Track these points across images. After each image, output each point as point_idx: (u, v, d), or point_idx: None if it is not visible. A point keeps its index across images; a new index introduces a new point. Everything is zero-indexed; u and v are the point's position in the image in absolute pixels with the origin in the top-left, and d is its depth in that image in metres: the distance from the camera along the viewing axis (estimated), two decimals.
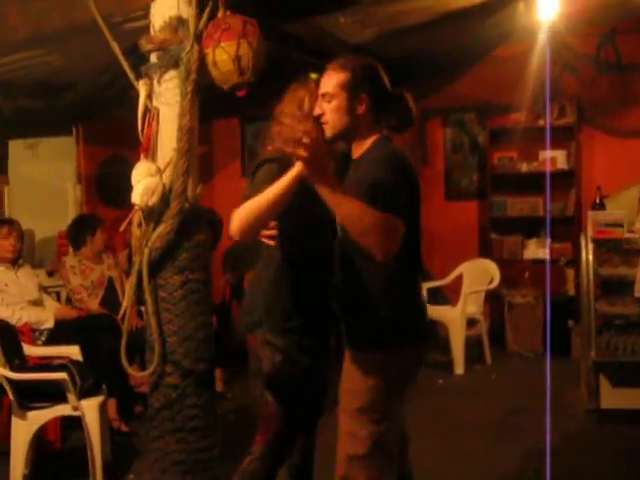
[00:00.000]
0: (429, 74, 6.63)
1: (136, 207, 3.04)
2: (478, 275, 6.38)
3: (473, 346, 6.21)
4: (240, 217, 2.37)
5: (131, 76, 3.30)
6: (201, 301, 3.23)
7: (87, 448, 3.49)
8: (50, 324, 4.32)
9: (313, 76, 2.60)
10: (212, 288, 3.34)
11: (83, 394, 3.51)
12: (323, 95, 2.42)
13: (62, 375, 3.44)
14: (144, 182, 3.00)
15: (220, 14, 3.20)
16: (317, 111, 2.44)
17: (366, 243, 2.18)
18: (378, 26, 5.64)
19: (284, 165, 2.33)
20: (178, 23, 3.13)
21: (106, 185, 6.89)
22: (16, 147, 6.61)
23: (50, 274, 5.30)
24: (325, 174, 2.10)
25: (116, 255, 5.35)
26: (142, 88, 3.19)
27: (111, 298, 4.89)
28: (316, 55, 5.88)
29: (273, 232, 2.61)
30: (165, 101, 3.15)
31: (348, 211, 2.13)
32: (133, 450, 4.12)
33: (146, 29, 3.58)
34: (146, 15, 3.51)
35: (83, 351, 3.86)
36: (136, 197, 3.01)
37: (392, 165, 2.34)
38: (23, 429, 3.48)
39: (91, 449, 3.45)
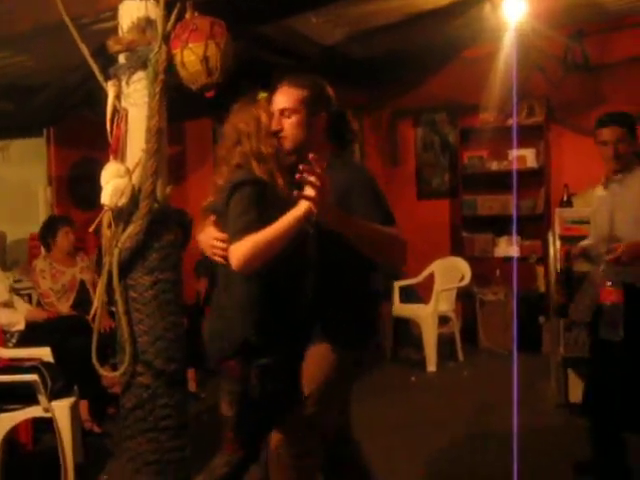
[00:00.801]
0: (399, 75, 6.68)
1: (105, 208, 3.05)
2: (450, 273, 6.45)
3: (445, 343, 6.27)
4: (245, 253, 2.33)
5: (100, 77, 3.30)
6: (171, 301, 3.24)
7: (58, 449, 3.48)
8: (21, 326, 4.31)
9: (262, 94, 2.66)
10: (182, 288, 3.35)
11: (54, 395, 3.51)
12: (282, 111, 2.51)
13: (33, 377, 3.43)
14: (113, 183, 3.01)
15: (188, 15, 3.22)
16: (275, 126, 2.51)
17: (386, 257, 2.44)
18: (348, 26, 5.68)
19: (260, 187, 2.42)
20: (146, 24, 3.15)
21: (77, 187, 6.85)
22: None
23: (17, 281, 5.26)
24: (332, 209, 2.22)
25: (90, 256, 5.33)
26: (111, 89, 3.19)
27: (84, 300, 4.87)
28: (286, 55, 5.93)
29: (223, 247, 2.50)
30: (134, 102, 3.16)
31: (368, 233, 2.29)
32: (106, 451, 4.12)
33: (115, 30, 3.59)
34: (115, 16, 3.52)
35: (54, 353, 3.85)
36: (105, 198, 3.01)
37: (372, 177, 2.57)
38: None
39: (62, 450, 3.44)
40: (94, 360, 3.20)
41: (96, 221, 3.15)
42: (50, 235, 5.01)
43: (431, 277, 6.48)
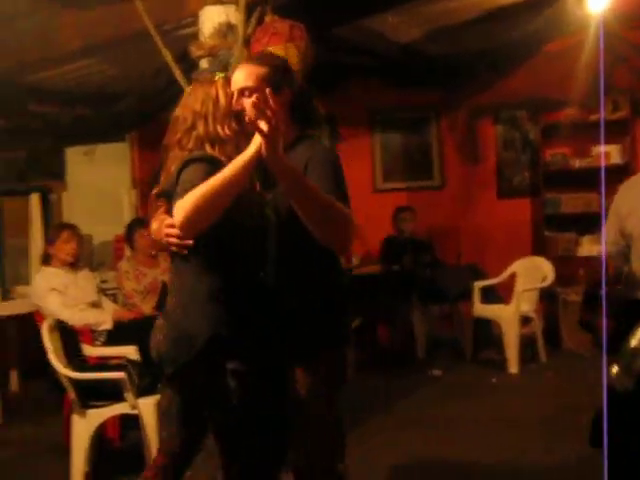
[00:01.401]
0: (478, 72, 6.59)
1: None
2: (531, 273, 6.30)
3: (527, 345, 6.13)
4: (187, 207, 2.00)
5: (182, 82, 3.37)
6: None
7: (144, 445, 3.57)
8: (108, 325, 4.42)
9: (220, 74, 2.40)
10: None
11: (140, 393, 3.59)
12: (242, 90, 2.27)
13: (121, 374, 3.52)
14: None
15: (268, 19, 3.26)
16: (236, 107, 2.28)
17: (328, 232, 2.11)
18: (426, 24, 5.61)
19: (215, 165, 2.13)
20: (227, 29, 3.21)
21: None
22: (73, 154, 6.80)
23: (103, 282, 5.40)
24: (283, 158, 1.99)
25: None
26: None
27: (165, 302, 4.96)
28: (361, 55, 5.93)
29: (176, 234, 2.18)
30: None
31: (313, 196, 2.03)
32: None
33: (195, 36, 3.67)
34: (195, 22, 3.60)
35: (140, 351, 3.95)
36: None
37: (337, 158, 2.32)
38: (83, 427, 3.57)
39: (148, 446, 3.52)
40: None
41: None
42: (131, 237, 5.14)
43: (512, 277, 6.35)
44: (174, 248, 2.22)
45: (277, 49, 3.12)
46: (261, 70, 2.27)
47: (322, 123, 2.51)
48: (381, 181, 7.10)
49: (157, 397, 3.66)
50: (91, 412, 3.60)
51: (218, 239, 2.14)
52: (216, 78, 2.35)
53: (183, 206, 2.00)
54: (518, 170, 7.09)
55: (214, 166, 2.12)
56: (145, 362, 3.84)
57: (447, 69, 6.43)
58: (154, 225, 2.33)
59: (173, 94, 4.69)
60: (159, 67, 4.60)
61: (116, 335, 4.39)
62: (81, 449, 3.58)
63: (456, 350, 6.23)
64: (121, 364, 3.71)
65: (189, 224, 2.02)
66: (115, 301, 5.04)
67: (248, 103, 2.21)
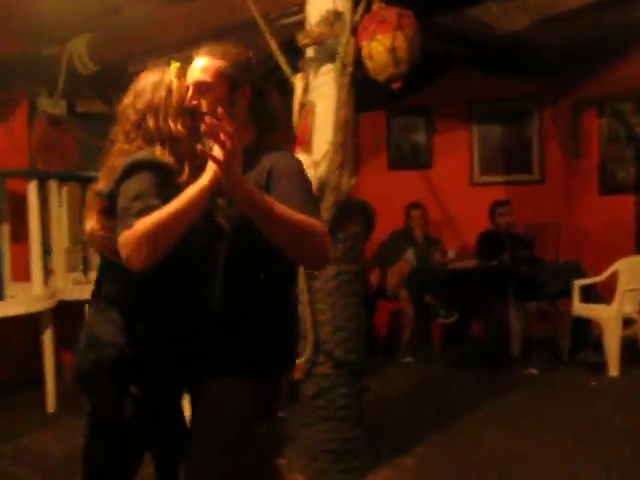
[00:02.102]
0: (583, 62, 6.35)
1: None
2: (635, 273, 6.04)
3: (629, 347, 5.89)
4: (135, 241, 1.80)
5: (287, 71, 3.37)
6: (354, 293, 3.27)
7: None
8: None
9: (175, 64, 2.11)
10: (364, 280, 3.37)
11: None
12: (198, 84, 2.05)
13: None
14: None
15: (375, 7, 3.22)
16: (190, 101, 2.06)
17: (301, 252, 1.92)
18: (530, 14, 5.44)
19: (164, 172, 1.95)
20: (334, 17, 3.18)
21: None
22: None
23: None
24: (245, 181, 1.79)
25: None
26: (299, 83, 3.25)
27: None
28: (462, 45, 5.80)
29: (105, 238, 2.02)
30: (321, 95, 3.21)
31: (283, 218, 1.82)
32: (283, 435, 4.21)
33: (299, 24, 3.66)
34: (300, 10, 3.59)
35: None
36: None
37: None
38: None
39: None
40: None
41: None
42: None
43: (613, 276, 6.11)
44: (107, 253, 2.03)
45: (385, 37, 3.08)
46: (221, 64, 2.05)
47: (283, 125, 2.30)
48: (478, 174, 6.95)
49: None
50: None
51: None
52: (170, 67, 2.11)
53: (131, 239, 1.80)
54: (622, 165, 6.81)
55: (162, 175, 1.93)
56: None
57: (551, 59, 6.23)
58: (88, 225, 2.09)
59: (273, 84, 4.76)
60: (261, 56, 4.65)
61: None
62: None
63: (553, 350, 6.04)
64: None
65: (135, 259, 1.82)
66: None
67: (204, 99, 2.03)
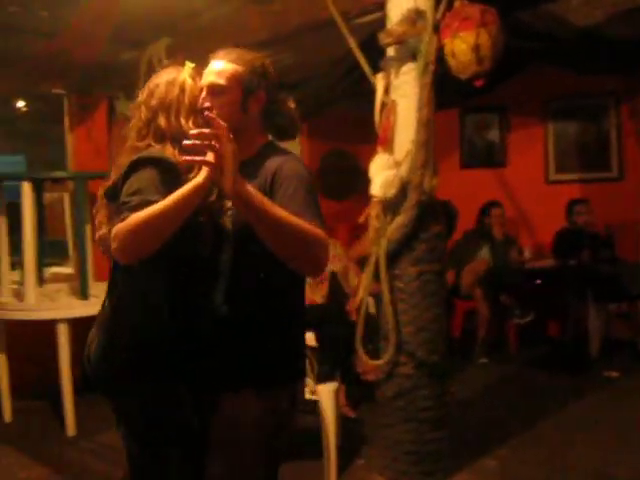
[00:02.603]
0: None
1: (375, 199, 3.10)
2: None
3: None
4: (124, 233, 1.79)
5: (367, 70, 3.36)
6: (436, 293, 3.24)
7: (322, 431, 3.60)
8: None
9: (189, 64, 2.11)
10: (446, 280, 3.34)
11: (319, 379, 3.64)
12: (212, 86, 2.04)
13: None
14: (383, 174, 3.05)
15: (457, 4, 3.18)
16: (203, 103, 2.05)
17: (297, 258, 1.90)
18: (611, 6, 5.30)
19: (167, 168, 1.94)
20: (416, 15, 3.15)
21: (326, 178, 7.11)
22: None
23: None
24: (241, 183, 1.78)
25: (343, 245, 5.46)
26: (380, 82, 3.24)
27: (336, 291, 4.99)
28: (539, 40, 5.68)
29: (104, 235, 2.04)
30: (403, 94, 3.19)
31: (278, 220, 1.81)
32: (360, 436, 4.21)
33: (378, 22, 3.64)
34: (379, 8, 3.57)
35: (317, 338, 3.99)
36: (375, 189, 3.07)
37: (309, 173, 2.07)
38: None
39: (326, 433, 3.55)
40: (358, 348, 3.28)
41: (365, 212, 3.22)
42: None
43: None
44: (107, 253, 2.00)
45: (468, 34, 3.04)
46: (236, 69, 2.05)
47: (297, 134, 2.23)
48: (554, 172, 6.80)
49: (335, 384, 3.70)
50: None
51: (166, 250, 1.85)
52: (185, 67, 2.10)
53: (121, 231, 1.78)
54: None
55: (167, 173, 1.92)
56: (322, 349, 3.88)
57: (629, 54, 6.05)
58: (99, 232, 2.11)
59: (350, 83, 4.76)
60: (337, 57, 4.65)
61: None
62: None
63: (633, 352, 5.88)
64: None
65: (122, 251, 1.81)
66: None
67: (218, 101, 2.03)
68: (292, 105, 2.18)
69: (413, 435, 3.38)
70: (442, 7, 3.15)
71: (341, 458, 3.69)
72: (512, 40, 5.05)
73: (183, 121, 2.03)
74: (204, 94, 2.05)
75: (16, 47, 4.78)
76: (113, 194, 2.00)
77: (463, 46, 3.03)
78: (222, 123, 1.76)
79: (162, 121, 2.03)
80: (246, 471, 2.01)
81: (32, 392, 4.91)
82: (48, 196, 4.93)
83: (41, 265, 4.77)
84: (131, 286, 2.03)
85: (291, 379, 2.14)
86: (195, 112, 2.04)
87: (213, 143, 1.73)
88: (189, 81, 2.07)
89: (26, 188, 4.31)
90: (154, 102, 2.05)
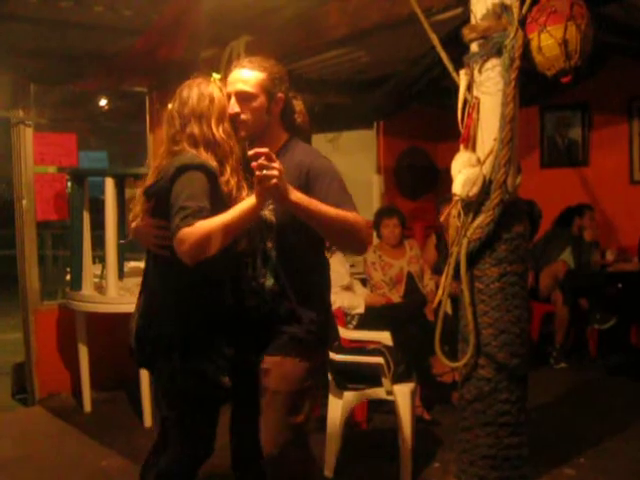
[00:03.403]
0: None
1: (456, 197, 3.04)
2: None
3: None
4: (199, 240, 2.08)
5: (450, 67, 3.29)
6: (517, 294, 3.15)
7: (398, 432, 3.55)
8: (361, 309, 4.48)
9: (216, 75, 2.39)
10: (528, 281, 3.24)
11: (396, 379, 3.60)
12: (241, 93, 2.34)
13: (379, 359, 3.55)
14: (465, 173, 2.99)
15: None
16: (233, 110, 2.34)
17: (344, 242, 2.39)
18: None
19: (211, 175, 2.22)
20: (501, 9, 3.06)
21: (403, 176, 7.05)
22: (318, 141, 7.00)
23: (352, 266, 5.45)
24: (292, 194, 2.13)
25: (420, 245, 5.39)
26: (463, 79, 3.17)
27: (412, 290, 4.95)
28: (623, 35, 5.48)
29: (166, 236, 2.25)
30: (486, 90, 3.11)
31: (325, 215, 2.20)
32: (435, 439, 4.15)
33: (459, 18, 3.57)
34: (461, 3, 3.50)
35: (393, 337, 3.96)
36: (457, 187, 3.00)
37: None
38: (339, 408, 3.64)
39: (402, 434, 3.51)
40: (437, 349, 3.22)
41: (447, 210, 3.16)
42: (378, 227, 5.14)
43: None
44: (154, 249, 2.37)
45: (556, 29, 2.94)
46: (261, 76, 2.35)
47: (309, 131, 2.58)
48: (639, 172, 6.56)
49: (411, 385, 3.66)
50: (347, 394, 3.66)
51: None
52: (212, 79, 2.37)
53: (194, 238, 2.07)
54: None
55: (211, 177, 2.20)
56: (398, 349, 3.84)
57: None
58: (138, 226, 2.43)
59: (431, 80, 4.69)
60: (416, 55, 4.60)
61: (367, 320, 4.44)
62: (336, 429, 3.64)
63: None
64: (378, 349, 3.73)
65: (196, 256, 2.11)
66: (364, 285, 5.10)
67: (246, 107, 2.33)
68: (301, 104, 2.55)
69: (491, 439, 3.29)
70: (528, 1, 3.05)
71: (416, 460, 3.65)
72: (601, 35, 4.92)
73: (214, 129, 2.29)
74: (233, 101, 2.34)
75: (100, 46, 4.91)
76: (152, 193, 2.32)
77: (550, 41, 2.93)
78: (266, 150, 2.05)
79: (195, 128, 2.28)
80: (291, 409, 2.42)
81: (111, 384, 5.04)
82: (130, 192, 5.03)
83: (121, 259, 4.88)
84: (170, 279, 2.34)
85: (324, 343, 2.57)
86: (224, 119, 2.32)
87: (272, 174, 2.03)
88: (217, 92, 2.33)
89: (109, 184, 4.41)
90: (186, 111, 2.31)
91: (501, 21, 3.05)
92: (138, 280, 4.96)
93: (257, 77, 2.34)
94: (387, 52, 5.10)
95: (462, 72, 3.18)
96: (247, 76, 2.35)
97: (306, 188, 2.26)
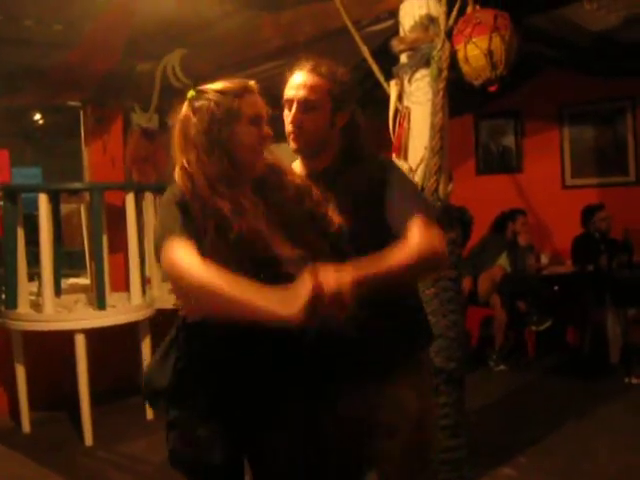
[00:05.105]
0: None
1: None
2: None
3: None
4: (199, 287, 1.66)
5: (381, 78, 3.36)
6: (452, 299, 3.22)
7: None
8: None
9: (251, 84, 1.93)
10: (462, 287, 3.32)
11: None
12: (304, 102, 1.98)
13: None
14: None
15: (469, 9, 3.18)
16: (295, 118, 1.99)
17: (423, 275, 2.35)
18: (625, 10, 5.27)
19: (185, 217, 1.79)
20: (428, 22, 3.15)
21: None
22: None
23: None
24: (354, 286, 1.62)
25: None
26: (393, 89, 3.24)
27: None
28: (553, 46, 5.66)
29: None
30: (416, 100, 3.18)
31: (390, 274, 1.75)
32: None
33: (390, 30, 3.64)
34: (391, 16, 3.57)
35: None
36: None
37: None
38: None
39: None
40: None
41: None
42: None
43: None
44: None
45: (481, 40, 3.03)
46: (328, 84, 1.99)
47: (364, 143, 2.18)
48: (570, 177, 6.77)
49: None
50: None
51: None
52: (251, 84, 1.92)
53: (194, 280, 1.65)
54: None
55: (185, 218, 1.76)
56: None
57: None
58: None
59: (360, 94, 4.76)
60: (350, 66, 4.65)
61: None
62: None
63: None
64: None
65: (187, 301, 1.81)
66: None
67: (307, 118, 1.98)
68: (360, 113, 2.15)
69: None
70: (454, 13, 3.15)
71: None
72: (526, 45, 5.07)
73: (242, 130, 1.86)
74: (294, 109, 2.00)
75: (32, 60, 4.84)
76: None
77: (476, 52, 3.02)
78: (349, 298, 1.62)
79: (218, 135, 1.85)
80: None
81: (50, 403, 4.93)
82: (65, 207, 4.97)
83: (58, 276, 4.80)
84: None
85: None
86: (262, 122, 1.88)
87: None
88: (261, 101, 1.90)
89: (43, 199, 4.34)
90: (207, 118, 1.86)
91: (429, 33, 3.14)
92: (77, 297, 4.95)
93: (323, 84, 1.99)
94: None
95: (392, 83, 3.25)
96: (312, 82, 1.99)
97: (382, 200, 1.95)
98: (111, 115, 5.62)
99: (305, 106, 1.98)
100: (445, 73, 3.05)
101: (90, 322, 4.35)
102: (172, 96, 5.29)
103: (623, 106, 6.63)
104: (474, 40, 3.02)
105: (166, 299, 4.94)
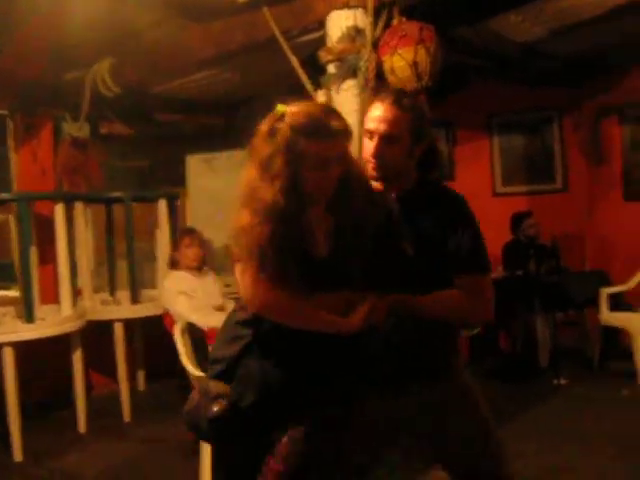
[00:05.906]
0: (602, 69, 6.33)
1: None
2: None
3: None
4: (281, 310, 1.97)
5: (309, 87, 3.39)
6: None
7: None
8: None
9: (280, 108, 2.04)
10: None
11: None
12: (387, 136, 2.06)
13: None
14: None
15: (395, 21, 3.24)
16: (377, 151, 2.07)
17: (462, 321, 2.42)
18: (550, 22, 5.44)
19: None
20: (355, 33, 3.20)
21: None
22: (193, 161, 6.97)
23: (227, 286, 5.42)
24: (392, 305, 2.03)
25: None
26: (321, 99, 3.27)
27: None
28: (481, 57, 5.80)
29: None
30: (344, 110, 3.20)
31: (433, 310, 2.14)
32: None
33: (320, 41, 3.69)
34: (320, 27, 3.61)
35: None
36: None
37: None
38: None
39: None
40: None
41: None
42: None
43: None
44: None
45: (406, 51, 3.10)
46: (409, 118, 2.07)
47: (441, 168, 2.41)
48: (500, 185, 6.94)
49: None
50: None
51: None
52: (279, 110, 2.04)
53: (280, 304, 1.96)
54: None
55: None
56: None
57: (570, 68, 6.22)
58: None
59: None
60: (283, 74, 4.68)
61: None
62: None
63: (582, 359, 5.99)
64: None
65: (260, 310, 1.99)
66: None
67: (388, 150, 2.06)
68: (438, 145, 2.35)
69: None
70: (381, 25, 3.20)
71: None
72: (453, 56, 5.18)
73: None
74: (376, 142, 2.07)
75: None
76: None
77: (402, 63, 3.08)
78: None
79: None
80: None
81: None
82: None
83: None
84: None
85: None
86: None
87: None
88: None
89: None
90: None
91: (355, 44, 3.18)
92: (5, 310, 4.83)
93: (404, 118, 2.06)
94: (257, 73, 5.17)
95: (320, 92, 3.28)
96: (394, 116, 2.06)
97: (445, 237, 2.12)
98: (41, 124, 5.50)
99: (386, 139, 2.06)
100: (371, 84, 3.11)
101: (18, 335, 4.26)
102: (103, 105, 5.26)
103: (550, 115, 6.84)
104: (400, 52, 3.08)
105: (98, 310, 4.87)
